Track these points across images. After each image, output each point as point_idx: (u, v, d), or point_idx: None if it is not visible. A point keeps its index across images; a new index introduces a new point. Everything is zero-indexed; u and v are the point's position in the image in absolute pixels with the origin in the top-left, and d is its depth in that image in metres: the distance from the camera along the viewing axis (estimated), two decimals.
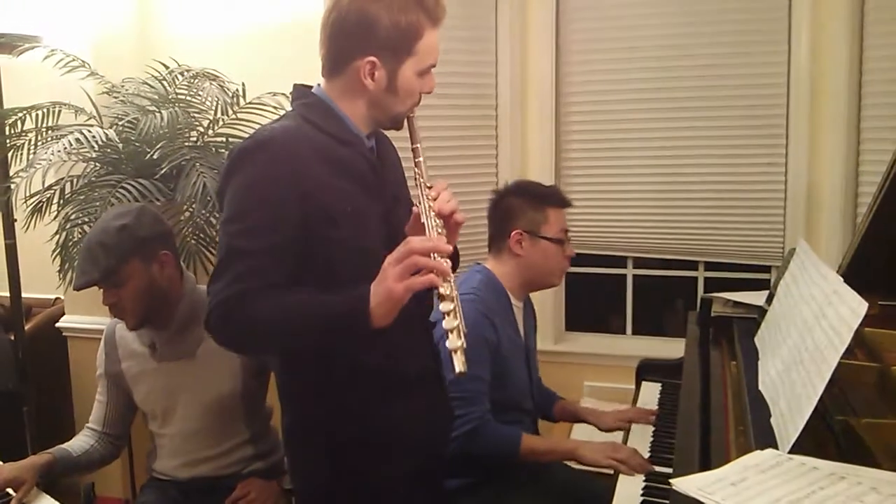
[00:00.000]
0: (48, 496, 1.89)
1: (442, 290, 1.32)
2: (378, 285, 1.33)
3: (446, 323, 1.31)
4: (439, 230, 1.41)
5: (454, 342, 1.29)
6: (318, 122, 1.46)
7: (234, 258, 1.36)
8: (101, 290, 1.93)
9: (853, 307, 1.25)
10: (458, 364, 1.28)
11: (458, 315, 1.32)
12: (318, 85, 1.53)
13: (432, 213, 1.42)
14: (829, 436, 1.33)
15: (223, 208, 1.42)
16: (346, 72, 1.47)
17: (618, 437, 2.13)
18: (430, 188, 1.46)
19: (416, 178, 1.48)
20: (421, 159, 1.49)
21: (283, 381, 1.58)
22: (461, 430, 1.90)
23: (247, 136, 1.70)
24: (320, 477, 1.54)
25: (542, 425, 2.30)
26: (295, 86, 1.55)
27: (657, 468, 1.80)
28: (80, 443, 2.10)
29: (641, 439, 2.01)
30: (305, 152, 1.41)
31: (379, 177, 1.52)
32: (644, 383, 2.41)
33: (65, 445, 2.07)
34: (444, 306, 1.32)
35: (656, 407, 2.20)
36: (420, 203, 1.45)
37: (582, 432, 2.68)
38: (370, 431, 1.50)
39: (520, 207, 2.11)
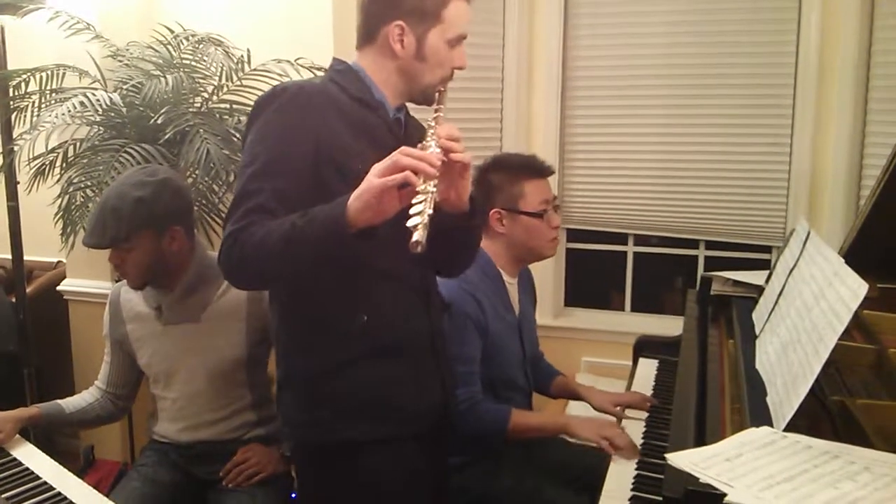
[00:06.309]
0: (30, 444, 1.93)
1: (418, 188, 1.29)
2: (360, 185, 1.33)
3: (413, 209, 1.27)
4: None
5: (416, 219, 1.25)
6: (343, 84, 1.52)
7: (243, 198, 1.41)
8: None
9: (853, 289, 1.26)
10: (417, 235, 1.23)
11: (428, 203, 1.28)
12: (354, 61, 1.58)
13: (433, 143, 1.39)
14: (823, 415, 1.34)
15: None
16: (377, 38, 1.53)
17: None
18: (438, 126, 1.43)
19: (427, 129, 1.46)
20: (441, 115, 1.50)
21: (276, 334, 1.63)
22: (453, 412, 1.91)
23: (251, 103, 1.70)
24: (306, 430, 1.58)
25: (537, 401, 2.31)
26: (334, 58, 1.61)
27: (653, 441, 1.82)
28: (77, 399, 2.13)
29: (637, 414, 2.02)
30: (322, 104, 1.46)
31: (400, 144, 1.51)
32: (641, 359, 2.43)
33: (60, 401, 2.11)
34: (416, 199, 1.28)
35: (652, 386, 2.21)
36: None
37: (579, 408, 2.69)
38: (347, 391, 1.53)
39: (497, 184, 2.07)
